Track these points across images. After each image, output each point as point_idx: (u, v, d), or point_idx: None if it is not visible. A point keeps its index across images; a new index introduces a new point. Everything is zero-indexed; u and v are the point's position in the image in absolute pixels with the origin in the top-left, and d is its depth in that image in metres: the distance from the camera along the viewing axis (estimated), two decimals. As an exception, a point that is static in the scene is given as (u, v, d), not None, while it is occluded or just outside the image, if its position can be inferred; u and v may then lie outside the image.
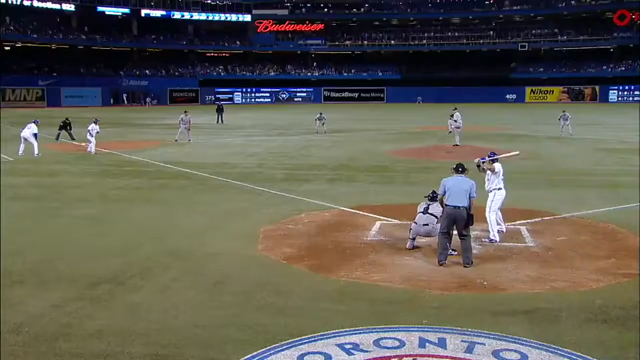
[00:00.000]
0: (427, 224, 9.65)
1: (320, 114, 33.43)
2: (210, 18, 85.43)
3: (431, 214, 9.73)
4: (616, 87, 74.58)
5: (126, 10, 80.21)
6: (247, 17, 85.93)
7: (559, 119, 31.22)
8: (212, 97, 77.65)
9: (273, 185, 16.05)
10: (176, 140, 27.74)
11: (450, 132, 27.12)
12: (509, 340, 6.26)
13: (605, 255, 9.42)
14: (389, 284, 8.15)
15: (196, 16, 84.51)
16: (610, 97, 74.23)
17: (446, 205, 9.04)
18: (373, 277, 8.42)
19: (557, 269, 8.77)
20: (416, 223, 9.80)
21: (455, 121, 26.22)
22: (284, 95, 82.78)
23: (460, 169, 9.27)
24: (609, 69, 77.29)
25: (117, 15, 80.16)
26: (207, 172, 18.57)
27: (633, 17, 76.03)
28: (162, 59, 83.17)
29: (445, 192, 9.08)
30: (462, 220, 8.83)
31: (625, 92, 73.94)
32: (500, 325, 6.68)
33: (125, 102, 76.26)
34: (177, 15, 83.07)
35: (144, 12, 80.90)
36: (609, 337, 6.42)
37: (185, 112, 29.23)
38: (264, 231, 11.03)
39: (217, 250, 9.90)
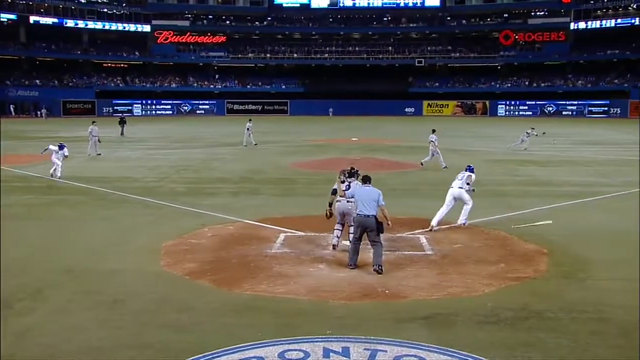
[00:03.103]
0: (350, 202, 10.32)
1: (250, 120, 33.87)
2: (107, 27, 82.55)
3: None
4: (504, 102, 79.41)
5: (12, 16, 75.75)
6: (147, 28, 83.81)
7: (526, 134, 30.74)
8: (110, 108, 74.90)
9: (175, 200, 15.70)
10: (89, 155, 26.55)
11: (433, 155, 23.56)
12: (409, 345, 6.48)
13: (496, 260, 9.98)
14: (293, 295, 8.20)
15: (91, 25, 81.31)
16: (499, 111, 78.90)
17: (357, 214, 9.53)
18: (278, 290, 8.44)
19: (453, 275, 9.19)
20: (339, 201, 10.55)
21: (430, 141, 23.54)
22: (186, 108, 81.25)
23: (367, 180, 9.86)
24: (497, 85, 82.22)
25: (2, 21, 75.41)
26: (106, 187, 17.85)
27: (516, 37, 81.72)
28: (55, 69, 79.17)
29: (353, 196, 9.69)
30: (372, 227, 9.28)
31: (512, 107, 78.94)
32: (402, 331, 6.91)
33: (13, 113, 71.75)
34: (70, 23, 79.49)
35: (32, 18, 76.68)
36: (500, 338, 6.81)
37: (94, 122, 28.13)
38: (166, 246, 10.77)
39: (117, 267, 9.55)
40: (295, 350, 6.35)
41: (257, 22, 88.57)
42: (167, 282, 8.79)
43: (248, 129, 33.00)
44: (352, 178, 10.82)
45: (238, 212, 13.98)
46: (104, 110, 74.34)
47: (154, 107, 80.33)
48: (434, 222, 12.27)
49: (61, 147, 20.43)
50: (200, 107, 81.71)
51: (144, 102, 79.65)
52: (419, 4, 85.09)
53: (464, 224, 12.55)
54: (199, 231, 12.06)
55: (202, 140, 37.62)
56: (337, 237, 10.59)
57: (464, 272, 9.35)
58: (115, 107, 75.44)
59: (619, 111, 72.52)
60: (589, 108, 74.71)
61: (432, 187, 18.35)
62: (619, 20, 77.53)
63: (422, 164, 23.25)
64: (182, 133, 45.26)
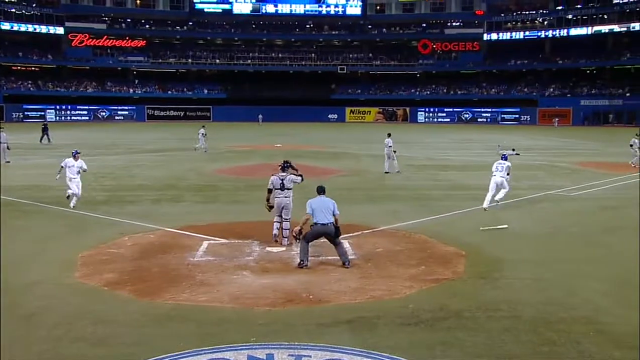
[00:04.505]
0: (287, 197, 11.28)
1: (203, 127, 34.10)
2: (16, 28, 78.27)
3: (288, 188, 11.37)
4: (423, 109, 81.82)
5: None
6: (60, 30, 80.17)
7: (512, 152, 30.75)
8: (21, 114, 71.37)
9: (93, 208, 15.14)
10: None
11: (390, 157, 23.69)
12: (333, 350, 6.54)
13: (417, 263, 10.26)
14: (216, 304, 8.10)
15: (-2, 25, 76.99)
16: (419, 118, 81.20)
17: (315, 224, 9.90)
18: (200, 298, 8.31)
19: (376, 278, 9.37)
20: (278, 197, 11.31)
21: (389, 146, 23.53)
22: (104, 113, 78.47)
23: (321, 191, 10.36)
24: (417, 92, 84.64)
25: None
26: (17, 195, 16.96)
27: (434, 46, 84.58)
28: (-43, 71, 74.47)
29: (312, 211, 9.94)
30: (331, 233, 9.84)
31: (431, 114, 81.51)
32: (325, 336, 6.97)
33: None
34: (-26, 23, 74.99)
35: None
36: (420, 338, 7.01)
37: (1, 128, 26.71)
38: (82, 257, 10.37)
39: (30, 280, 9.10)
40: (219, 359, 6.27)
41: (177, 27, 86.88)
42: (83, 294, 8.47)
43: (200, 134, 33.41)
44: (285, 173, 11.53)
45: (159, 220, 13.67)
46: (14, 116, 70.61)
47: (68, 112, 76.99)
48: (485, 205, 15.14)
49: (75, 155, 15.40)
50: (119, 112, 79.15)
51: (57, 107, 76.21)
52: (340, 12, 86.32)
53: (497, 202, 15.36)
54: (118, 240, 11.70)
55: (122, 147, 36.49)
56: (277, 228, 11.37)
57: (386, 275, 9.54)
58: (26, 113, 71.92)
59: (528, 118, 76.40)
60: (502, 115, 78.19)
61: (354, 192, 18.63)
62: (527, 33, 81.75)
63: (386, 172, 23.32)
64: (100, 139, 43.70)
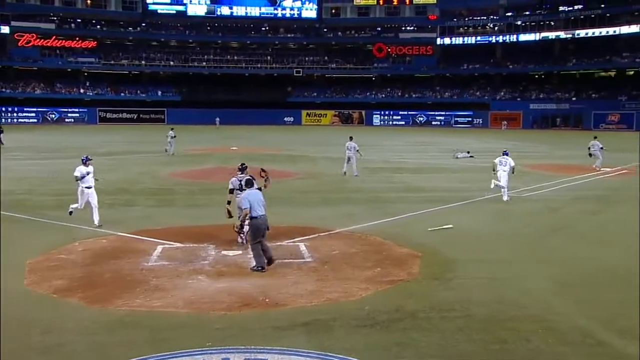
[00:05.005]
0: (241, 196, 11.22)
1: (172, 129, 33.68)
2: (-42, 27, 75.58)
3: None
4: (379, 112, 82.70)
5: None
6: (5, 29, 77.54)
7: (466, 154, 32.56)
8: (-36, 115, 68.83)
9: (43, 213, 14.72)
10: None
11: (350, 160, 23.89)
12: (289, 353, 6.54)
13: (373, 265, 10.34)
14: (171, 309, 7.99)
15: (-63, 24, 73.99)
16: (374, 121, 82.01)
17: (252, 217, 9.98)
18: (154, 304, 8.18)
19: (332, 281, 9.40)
20: (238, 196, 11.39)
21: (356, 149, 23.82)
22: (53, 116, 76.36)
23: (251, 184, 10.56)
24: (373, 96, 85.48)
25: None
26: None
27: (389, 50, 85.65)
28: None
29: (250, 205, 10.03)
30: (267, 225, 10.13)
31: (386, 117, 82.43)
32: (282, 339, 6.96)
33: None
34: None
35: None
36: (376, 339, 7.07)
37: None
38: (30, 263, 10.07)
39: (-28, 289, 8.77)
40: (174, 365, 6.18)
41: (130, 28, 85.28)
42: (31, 302, 8.23)
43: (168, 136, 33.14)
44: (243, 174, 11.66)
45: (112, 224, 13.37)
46: (-43, 118, 68.06)
47: (15, 114, 74.65)
48: (505, 198, 17.14)
49: (85, 162, 13.73)
50: (70, 115, 77.15)
51: (3, 109, 73.71)
52: (296, 15, 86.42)
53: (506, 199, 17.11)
54: (69, 246, 11.40)
55: (73, 150, 35.49)
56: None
57: (342, 277, 9.59)
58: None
59: (481, 122, 78.17)
60: (455, 118, 79.76)
61: (310, 195, 18.68)
62: (478, 38, 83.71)
63: (344, 174, 23.77)
64: (49, 142, 42.51)
